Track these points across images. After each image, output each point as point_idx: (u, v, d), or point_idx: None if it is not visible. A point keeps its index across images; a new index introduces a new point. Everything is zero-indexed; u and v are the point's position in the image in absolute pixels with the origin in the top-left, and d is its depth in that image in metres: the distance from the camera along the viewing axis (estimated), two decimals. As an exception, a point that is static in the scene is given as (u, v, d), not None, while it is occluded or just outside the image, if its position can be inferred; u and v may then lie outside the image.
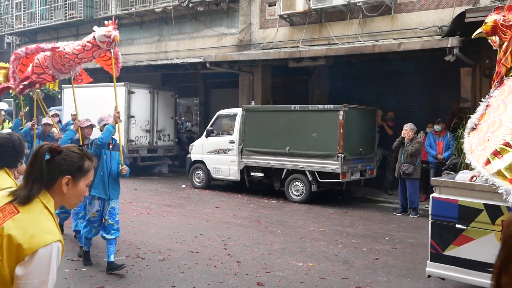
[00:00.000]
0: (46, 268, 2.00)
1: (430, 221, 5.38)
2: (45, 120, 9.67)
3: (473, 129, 4.76)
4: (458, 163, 10.52)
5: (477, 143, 4.41)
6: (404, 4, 12.54)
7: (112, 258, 6.21)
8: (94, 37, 6.53)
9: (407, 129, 10.32)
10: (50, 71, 7.28)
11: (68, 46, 6.76)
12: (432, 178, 7.29)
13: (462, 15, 10.01)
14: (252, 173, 12.60)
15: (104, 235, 6.36)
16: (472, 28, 10.50)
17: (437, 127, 11.23)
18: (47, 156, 2.17)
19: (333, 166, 11.06)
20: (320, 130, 11.28)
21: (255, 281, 6.03)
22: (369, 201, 12.33)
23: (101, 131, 6.65)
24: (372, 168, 12.25)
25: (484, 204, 4.96)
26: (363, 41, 12.81)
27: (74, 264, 6.58)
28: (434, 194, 5.44)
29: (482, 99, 5.22)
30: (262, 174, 12.44)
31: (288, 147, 11.65)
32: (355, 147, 11.43)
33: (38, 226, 2.03)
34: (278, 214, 10.31)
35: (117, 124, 6.70)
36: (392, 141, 11.03)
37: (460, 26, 10.37)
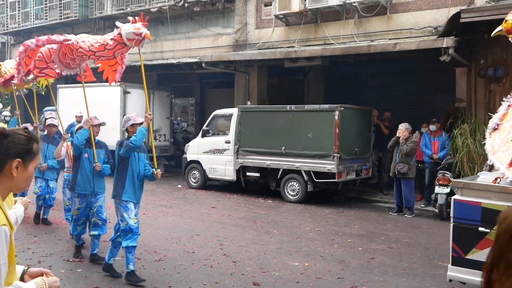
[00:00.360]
0: None
1: (451, 224, 5.22)
2: (49, 121, 9.19)
3: (494, 129, 4.61)
4: (453, 163, 10.57)
5: (499, 143, 4.29)
6: (399, 5, 12.56)
7: (131, 267, 5.93)
8: (119, 34, 5.87)
9: (402, 129, 10.35)
10: (55, 66, 6.86)
11: (84, 41, 6.14)
12: (453, 180, 7.24)
13: (457, 16, 10.04)
14: (248, 173, 12.61)
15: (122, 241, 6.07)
16: (467, 28, 10.60)
17: (432, 127, 11.25)
18: None
19: (329, 166, 11.07)
20: (315, 130, 11.29)
21: (251, 281, 6.02)
22: (364, 200, 12.35)
23: (127, 131, 6.43)
24: (368, 168, 12.28)
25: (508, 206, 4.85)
26: (359, 41, 12.83)
27: (70, 265, 6.56)
28: (456, 196, 5.25)
29: (504, 99, 5.11)
30: (258, 174, 12.44)
31: (284, 147, 11.66)
32: (350, 147, 11.46)
33: None
34: (274, 214, 10.31)
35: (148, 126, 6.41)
36: (387, 142, 11.06)
37: (455, 26, 10.41)
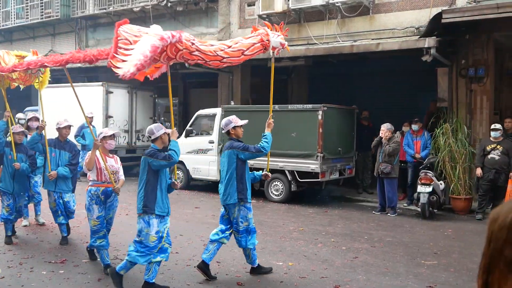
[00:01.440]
0: None
1: None
2: (65, 122, 7.88)
3: None
4: (435, 162, 10.67)
5: None
6: (382, 5, 12.64)
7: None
8: (268, 40, 5.77)
9: (384, 129, 10.42)
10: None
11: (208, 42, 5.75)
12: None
13: (439, 16, 10.13)
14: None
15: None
16: (449, 28, 10.70)
17: (414, 127, 11.34)
18: None
19: (312, 165, 11.10)
20: (299, 130, 11.31)
21: (235, 281, 6.02)
22: (348, 200, 12.41)
23: (229, 133, 6.54)
24: (351, 168, 12.34)
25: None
26: (342, 41, 12.88)
27: (52, 266, 6.47)
28: None
29: None
30: (242, 174, 12.41)
31: (267, 147, 11.63)
32: (334, 146, 11.50)
33: None
34: (258, 214, 10.29)
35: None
36: (369, 142, 11.13)
37: (437, 26, 10.51)
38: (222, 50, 5.39)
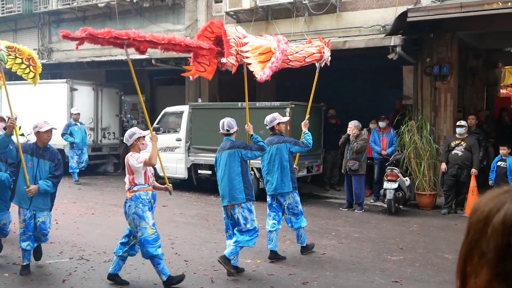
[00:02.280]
0: None
1: None
2: (45, 126, 6.49)
3: None
4: (401, 159, 10.84)
5: None
6: (348, 3, 12.76)
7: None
8: (323, 53, 7.12)
9: (352, 127, 10.52)
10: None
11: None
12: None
13: (404, 15, 10.29)
14: (199, 171, 12.51)
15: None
16: (414, 27, 10.89)
17: (381, 124, 11.49)
18: None
19: (280, 163, 11.12)
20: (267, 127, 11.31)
21: (203, 279, 5.99)
22: (315, 197, 12.50)
23: (273, 129, 7.47)
24: (319, 165, 12.43)
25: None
26: (309, 38, 12.94)
27: (15, 268, 6.32)
28: None
29: None
30: (210, 172, 12.36)
31: (235, 145, 11.62)
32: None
33: None
34: (226, 212, 10.28)
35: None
36: (337, 140, 11.22)
37: (403, 25, 10.68)
38: (292, 55, 6.34)
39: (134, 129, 6.15)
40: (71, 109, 14.17)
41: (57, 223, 8.93)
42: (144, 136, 6.05)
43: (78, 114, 13.96)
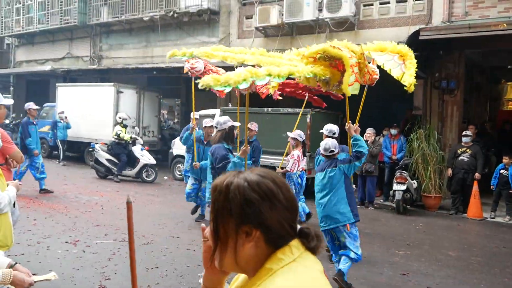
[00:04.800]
0: None
1: None
2: (208, 121, 8.72)
3: None
4: (410, 164, 10.71)
5: None
6: (366, 22, 12.67)
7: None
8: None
9: (371, 133, 10.53)
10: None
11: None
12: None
13: (416, 33, 10.18)
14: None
15: None
16: (425, 44, 10.75)
17: (393, 131, 11.41)
18: None
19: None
20: (290, 131, 11.28)
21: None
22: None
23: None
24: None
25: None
26: (330, 53, 12.88)
27: (66, 246, 6.43)
28: None
29: None
30: (237, 169, 12.39)
31: (260, 146, 11.63)
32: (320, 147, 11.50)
33: None
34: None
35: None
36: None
37: (415, 42, 10.54)
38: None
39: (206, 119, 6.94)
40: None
41: (102, 208, 9.07)
42: (210, 127, 6.90)
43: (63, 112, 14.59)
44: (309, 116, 10.97)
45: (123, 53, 18.42)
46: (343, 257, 5.41)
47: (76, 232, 7.17)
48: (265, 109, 11.87)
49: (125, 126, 13.30)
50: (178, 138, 14.02)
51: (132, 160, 13.00)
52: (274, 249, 1.19)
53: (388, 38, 12.10)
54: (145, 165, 12.87)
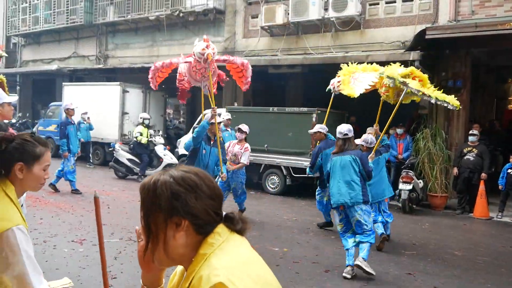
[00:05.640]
0: (14, 252, 1.91)
1: None
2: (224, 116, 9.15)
3: None
4: (416, 163, 10.67)
5: None
6: (371, 21, 12.62)
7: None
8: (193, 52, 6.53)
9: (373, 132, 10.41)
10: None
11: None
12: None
13: (423, 32, 10.12)
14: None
15: None
16: (432, 43, 10.69)
17: (399, 130, 11.37)
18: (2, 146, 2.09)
19: (306, 162, 11.06)
20: (295, 130, 11.30)
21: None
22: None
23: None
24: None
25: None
26: (335, 52, 12.86)
27: (72, 245, 6.46)
28: None
29: None
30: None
31: (266, 145, 11.65)
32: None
33: None
34: (256, 204, 10.30)
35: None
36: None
37: (421, 42, 10.50)
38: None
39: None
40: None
41: (108, 207, 9.09)
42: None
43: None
44: (314, 115, 10.94)
45: (129, 53, 18.47)
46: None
47: (82, 231, 7.19)
48: (271, 108, 11.86)
49: (147, 127, 13.31)
50: (184, 137, 14.06)
51: (154, 160, 13.01)
52: (203, 236, 1.30)
53: (394, 37, 12.13)
54: (168, 165, 12.84)
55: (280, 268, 5.91)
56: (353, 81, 6.62)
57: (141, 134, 12.96)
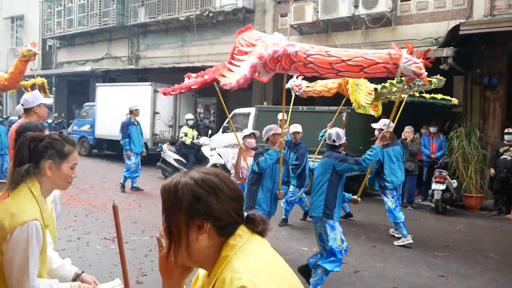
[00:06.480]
0: (25, 245, 1.99)
1: None
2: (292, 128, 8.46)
3: None
4: (449, 163, 10.43)
5: None
6: (403, 17, 12.40)
7: None
8: (396, 64, 4.23)
9: (409, 131, 10.26)
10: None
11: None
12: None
13: (456, 28, 9.89)
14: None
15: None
16: (466, 39, 10.43)
17: (432, 129, 11.14)
18: (31, 145, 2.16)
19: (336, 161, 10.98)
20: (325, 129, 11.20)
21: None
22: (367, 194, 12.21)
23: (267, 141, 5.55)
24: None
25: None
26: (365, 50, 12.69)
27: (105, 242, 6.59)
28: None
29: None
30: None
31: (296, 144, 11.58)
32: (356, 145, 11.35)
33: (18, 206, 2.03)
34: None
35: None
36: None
37: (454, 38, 10.26)
38: (339, 62, 4.28)
39: (245, 129, 6.44)
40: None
41: (140, 205, 9.25)
42: (249, 135, 6.30)
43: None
44: (345, 114, 10.83)
45: (160, 53, 18.72)
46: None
47: (115, 229, 7.32)
48: (300, 107, 11.80)
49: (192, 127, 13.46)
50: (213, 137, 14.16)
51: (200, 160, 13.14)
52: (225, 238, 1.31)
53: (427, 34, 11.89)
54: (214, 165, 12.95)
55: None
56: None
57: (185, 135, 13.10)
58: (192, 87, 5.94)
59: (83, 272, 2.56)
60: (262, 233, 1.38)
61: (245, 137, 6.30)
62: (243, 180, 6.17)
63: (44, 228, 2.10)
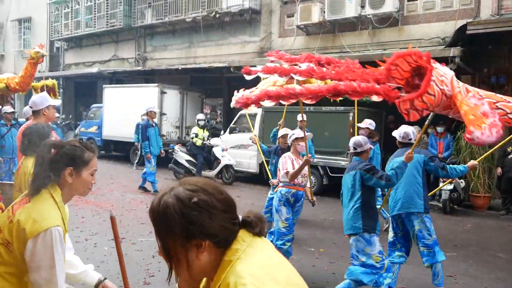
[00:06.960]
0: (50, 251, 2.00)
1: None
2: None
3: None
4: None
5: None
6: (410, 17, 12.37)
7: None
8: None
9: (416, 131, 10.20)
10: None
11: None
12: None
13: (463, 28, 9.85)
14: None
15: None
16: (473, 39, 10.38)
17: (439, 129, 11.08)
18: (52, 151, 2.18)
19: (343, 162, 10.99)
20: (331, 130, 11.21)
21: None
22: (374, 194, 12.20)
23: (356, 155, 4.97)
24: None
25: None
26: (372, 50, 12.67)
27: (113, 243, 6.62)
28: None
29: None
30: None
31: (302, 144, 11.59)
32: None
33: (40, 213, 2.04)
34: (293, 204, 10.26)
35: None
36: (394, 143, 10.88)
37: (462, 37, 10.23)
38: (503, 115, 3.67)
39: (296, 130, 6.02)
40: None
41: (147, 206, 9.26)
42: (302, 138, 5.65)
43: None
44: (351, 114, 10.81)
45: (166, 54, 18.79)
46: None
47: (122, 230, 7.36)
48: (307, 107, 11.78)
49: (203, 128, 13.47)
50: (222, 137, 14.18)
51: (211, 161, 13.15)
52: (225, 248, 1.29)
53: (433, 33, 11.85)
54: (225, 166, 12.96)
55: (316, 269, 5.88)
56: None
57: (196, 136, 13.11)
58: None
59: (105, 278, 2.58)
60: (260, 233, 1.36)
61: (296, 139, 5.65)
62: (300, 188, 5.66)
63: (65, 233, 2.13)
